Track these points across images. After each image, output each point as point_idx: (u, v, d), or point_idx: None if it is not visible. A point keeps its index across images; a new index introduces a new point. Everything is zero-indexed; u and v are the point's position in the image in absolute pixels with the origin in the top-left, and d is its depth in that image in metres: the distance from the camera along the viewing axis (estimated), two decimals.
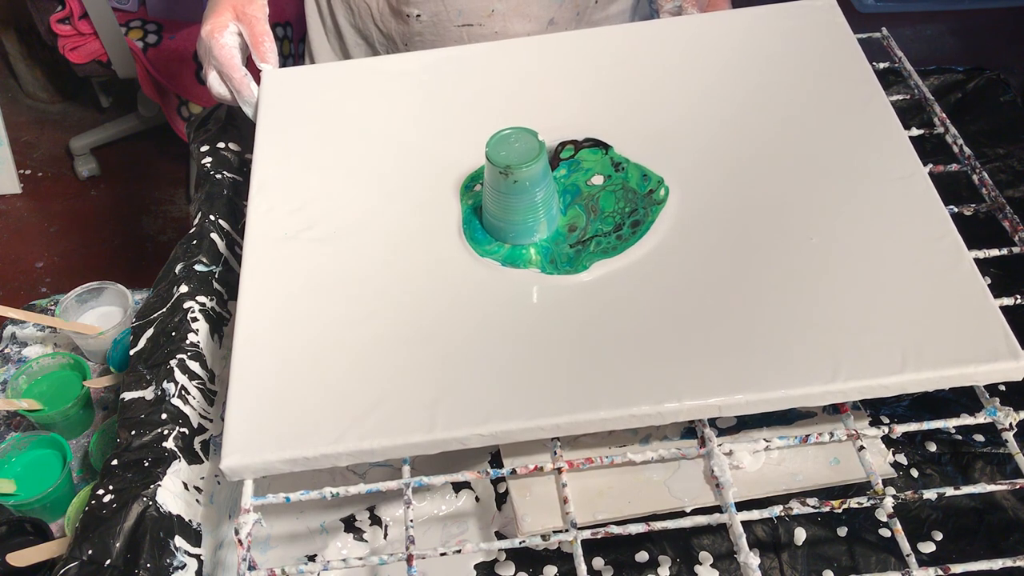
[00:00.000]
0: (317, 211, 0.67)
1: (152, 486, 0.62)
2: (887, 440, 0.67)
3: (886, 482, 0.56)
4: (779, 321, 0.58)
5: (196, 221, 0.78)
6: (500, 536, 0.68)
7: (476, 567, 0.66)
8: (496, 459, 0.69)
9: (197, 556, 0.63)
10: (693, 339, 0.58)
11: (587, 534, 0.54)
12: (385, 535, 0.68)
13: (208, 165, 0.82)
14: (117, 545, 0.59)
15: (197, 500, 0.66)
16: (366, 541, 0.67)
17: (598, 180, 0.67)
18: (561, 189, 0.67)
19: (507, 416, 0.55)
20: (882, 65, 0.83)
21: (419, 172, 0.69)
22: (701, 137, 0.69)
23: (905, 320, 0.57)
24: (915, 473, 0.70)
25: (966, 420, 0.59)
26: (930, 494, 0.55)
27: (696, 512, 0.57)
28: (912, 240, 0.61)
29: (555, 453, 0.58)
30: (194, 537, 0.64)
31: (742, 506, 0.56)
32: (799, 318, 0.58)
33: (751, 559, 0.53)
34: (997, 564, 0.53)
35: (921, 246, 0.60)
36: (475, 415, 0.55)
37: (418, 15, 0.90)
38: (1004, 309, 0.63)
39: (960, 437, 0.71)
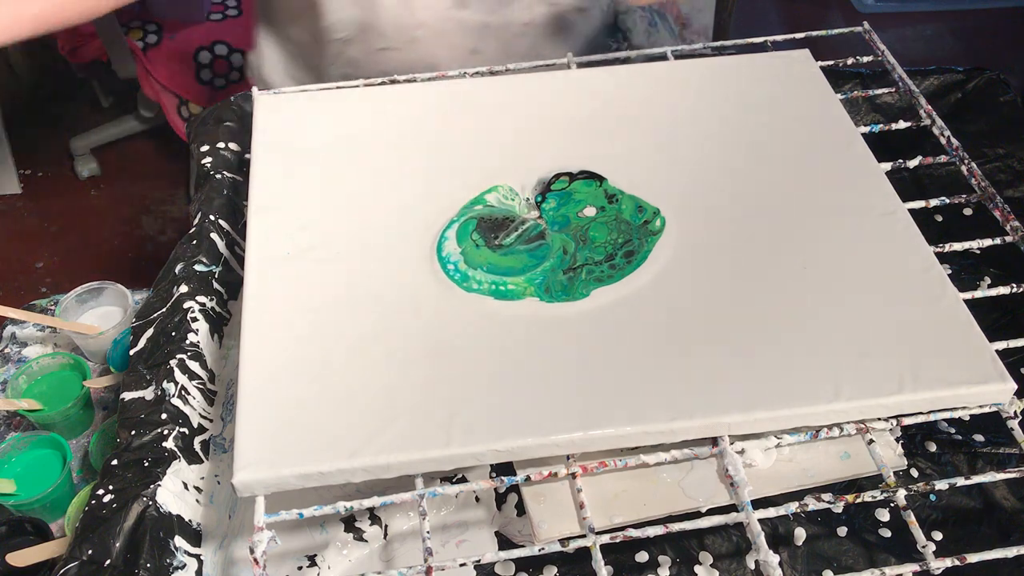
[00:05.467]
0: (319, 233, 0.68)
1: (152, 486, 0.62)
2: None
3: (897, 473, 0.58)
4: (781, 345, 0.61)
5: (196, 221, 0.78)
6: (500, 536, 0.68)
7: (475, 567, 0.66)
8: (501, 463, 0.69)
9: (197, 556, 0.63)
10: (701, 362, 0.60)
11: (606, 538, 0.55)
12: (385, 535, 0.68)
13: (208, 165, 0.82)
14: (117, 545, 0.59)
15: (197, 500, 0.66)
16: (366, 541, 0.67)
17: (590, 212, 0.69)
18: (550, 221, 0.69)
19: (522, 432, 0.56)
20: (866, 59, 0.84)
21: (419, 198, 0.70)
22: (694, 174, 0.72)
23: (900, 345, 0.60)
24: (915, 473, 0.70)
25: (971, 408, 0.60)
26: (941, 484, 0.57)
27: (712, 512, 0.57)
28: (899, 271, 0.64)
29: (568, 458, 0.59)
30: (194, 537, 0.64)
31: (756, 504, 0.56)
32: (800, 342, 0.61)
33: (771, 557, 0.53)
34: (1012, 552, 0.54)
35: (908, 277, 0.64)
36: (491, 431, 0.56)
37: (346, 38, 0.92)
38: (1001, 299, 0.67)
39: (960, 437, 0.71)
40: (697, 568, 0.65)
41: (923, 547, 0.55)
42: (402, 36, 0.92)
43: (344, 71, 0.96)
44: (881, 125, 0.78)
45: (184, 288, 0.73)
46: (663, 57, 0.84)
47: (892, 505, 0.67)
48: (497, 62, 0.83)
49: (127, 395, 0.67)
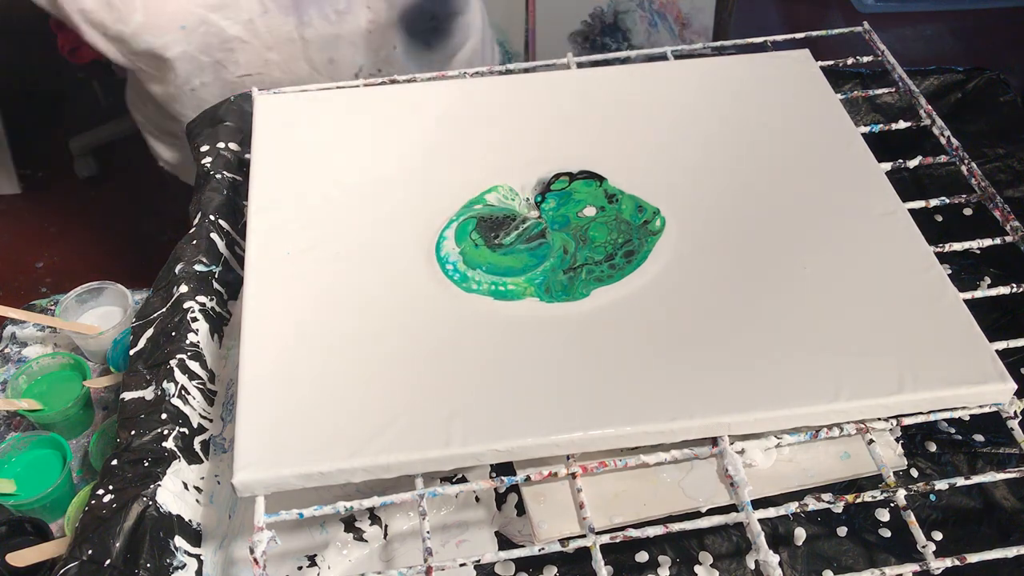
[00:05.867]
0: (318, 233, 0.68)
1: (152, 486, 0.62)
2: None
3: (897, 473, 0.58)
4: (781, 345, 0.61)
5: (196, 221, 0.78)
6: (500, 536, 0.68)
7: (475, 567, 0.66)
8: (501, 463, 0.70)
9: (197, 556, 0.63)
10: (701, 361, 0.60)
11: (606, 538, 0.55)
12: (385, 535, 0.68)
13: (208, 165, 0.82)
14: (117, 545, 0.59)
15: (197, 500, 0.66)
16: (366, 541, 0.67)
17: (590, 212, 0.70)
18: (549, 221, 0.69)
19: (522, 432, 0.57)
20: (866, 59, 0.84)
21: (419, 198, 0.70)
22: (694, 174, 0.72)
23: (900, 345, 0.60)
24: (915, 473, 0.70)
25: (971, 408, 0.60)
26: (941, 484, 0.58)
27: (712, 512, 0.58)
28: (899, 271, 0.65)
29: (568, 458, 0.59)
30: (194, 537, 0.64)
31: (756, 504, 0.57)
32: (800, 342, 0.61)
33: (771, 557, 0.54)
34: (1012, 552, 0.55)
35: (908, 277, 0.64)
36: (490, 431, 0.56)
37: (203, 83, 0.96)
38: (1001, 299, 0.68)
39: (960, 437, 0.71)
40: (697, 568, 0.65)
41: (923, 547, 0.55)
42: (257, 61, 0.96)
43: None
44: (881, 125, 0.78)
45: (184, 288, 0.73)
46: (663, 57, 0.84)
47: (892, 505, 0.67)
48: (357, 64, 0.85)
49: (127, 395, 0.67)
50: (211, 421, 0.70)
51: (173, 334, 0.70)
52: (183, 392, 0.68)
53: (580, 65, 0.83)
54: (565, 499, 0.60)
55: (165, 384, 0.67)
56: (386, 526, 0.68)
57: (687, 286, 0.64)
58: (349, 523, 0.68)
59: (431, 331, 0.62)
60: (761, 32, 0.88)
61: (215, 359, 0.73)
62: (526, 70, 0.85)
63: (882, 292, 0.63)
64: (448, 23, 1.06)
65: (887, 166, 0.73)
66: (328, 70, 0.98)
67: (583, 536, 0.55)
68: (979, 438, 0.71)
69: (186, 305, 0.72)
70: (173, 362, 0.68)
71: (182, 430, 0.66)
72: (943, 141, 0.76)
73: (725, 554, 0.65)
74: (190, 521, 0.64)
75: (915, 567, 0.54)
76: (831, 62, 0.83)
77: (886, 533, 0.66)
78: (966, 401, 0.59)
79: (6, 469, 0.80)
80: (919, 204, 0.71)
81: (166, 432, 0.65)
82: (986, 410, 0.60)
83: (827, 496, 0.57)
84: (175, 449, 0.65)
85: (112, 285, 0.92)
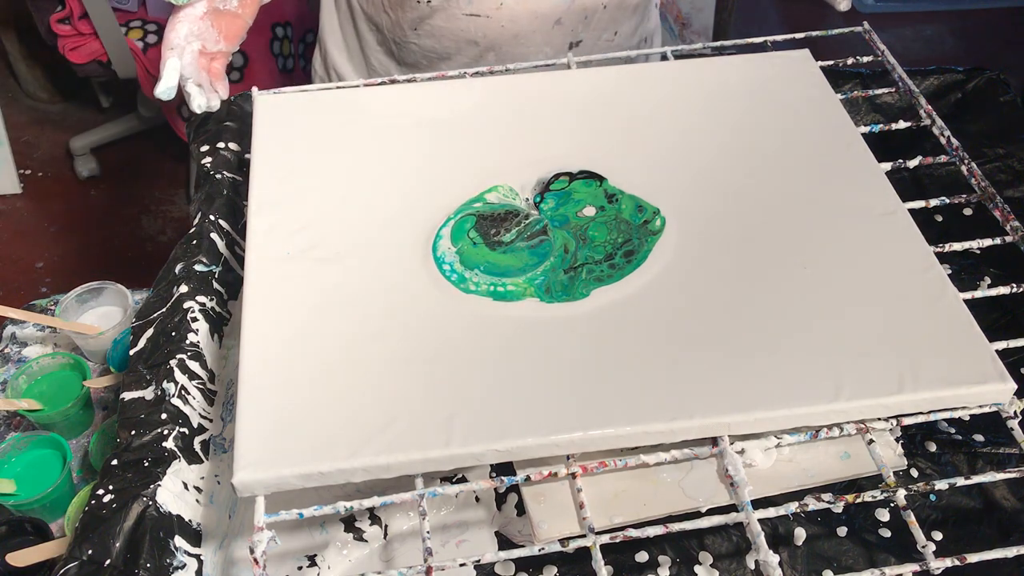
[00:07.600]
0: (318, 233, 0.68)
1: (152, 486, 0.62)
2: None
3: (897, 473, 0.57)
4: (781, 345, 0.61)
5: (196, 221, 0.78)
6: (500, 536, 0.68)
7: (475, 567, 0.66)
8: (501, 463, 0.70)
9: (197, 556, 0.63)
10: (701, 361, 0.60)
11: (606, 538, 0.55)
12: (385, 535, 0.68)
13: (208, 165, 0.82)
14: (117, 545, 0.59)
15: (197, 500, 0.66)
16: (366, 541, 0.67)
17: (589, 211, 0.69)
18: (549, 220, 0.69)
19: (522, 432, 0.56)
20: (866, 59, 0.84)
21: (419, 198, 0.71)
22: (694, 174, 0.72)
23: (900, 345, 0.60)
24: (915, 473, 0.70)
25: (971, 408, 0.60)
26: (941, 484, 0.57)
27: (712, 512, 0.58)
28: (899, 271, 0.65)
29: (568, 458, 0.59)
30: (194, 537, 0.64)
31: (756, 504, 0.56)
32: (800, 342, 0.61)
33: (771, 557, 0.53)
34: (1012, 552, 0.54)
35: (908, 277, 0.64)
36: (490, 431, 0.56)
37: (432, 3, 0.91)
38: (1001, 299, 0.68)
39: (960, 437, 0.71)
40: (697, 568, 0.65)
41: (923, 547, 0.55)
42: (490, 2, 0.91)
43: (426, 44, 0.95)
44: (881, 125, 0.78)
45: (184, 288, 0.73)
46: (663, 57, 0.84)
47: (892, 505, 0.67)
48: (576, 36, 0.81)
49: (127, 395, 0.67)
50: (211, 421, 0.70)
51: (173, 334, 0.70)
52: (183, 392, 0.68)
53: (580, 65, 0.83)
54: (565, 499, 0.60)
55: (165, 384, 0.67)
56: (386, 526, 0.68)
57: (687, 286, 0.64)
58: (349, 523, 0.68)
59: (432, 331, 0.62)
60: (761, 32, 0.88)
61: (215, 359, 0.73)
62: (526, 70, 0.85)
63: (882, 292, 0.63)
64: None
65: (887, 166, 0.73)
66: (550, 32, 0.93)
67: (583, 536, 0.55)
68: (979, 438, 0.71)
69: (186, 305, 0.72)
70: (173, 362, 0.68)
71: (182, 430, 0.66)
72: (943, 141, 0.76)
73: (725, 554, 0.65)
74: (190, 521, 0.64)
75: (915, 567, 0.54)
76: (831, 62, 0.83)
77: (886, 533, 0.66)
78: (966, 401, 0.59)
79: (6, 469, 0.80)
80: (919, 204, 0.71)
81: (166, 432, 0.65)
82: (986, 410, 0.60)
83: (827, 496, 0.57)
84: (175, 449, 0.65)
85: (112, 285, 0.92)
